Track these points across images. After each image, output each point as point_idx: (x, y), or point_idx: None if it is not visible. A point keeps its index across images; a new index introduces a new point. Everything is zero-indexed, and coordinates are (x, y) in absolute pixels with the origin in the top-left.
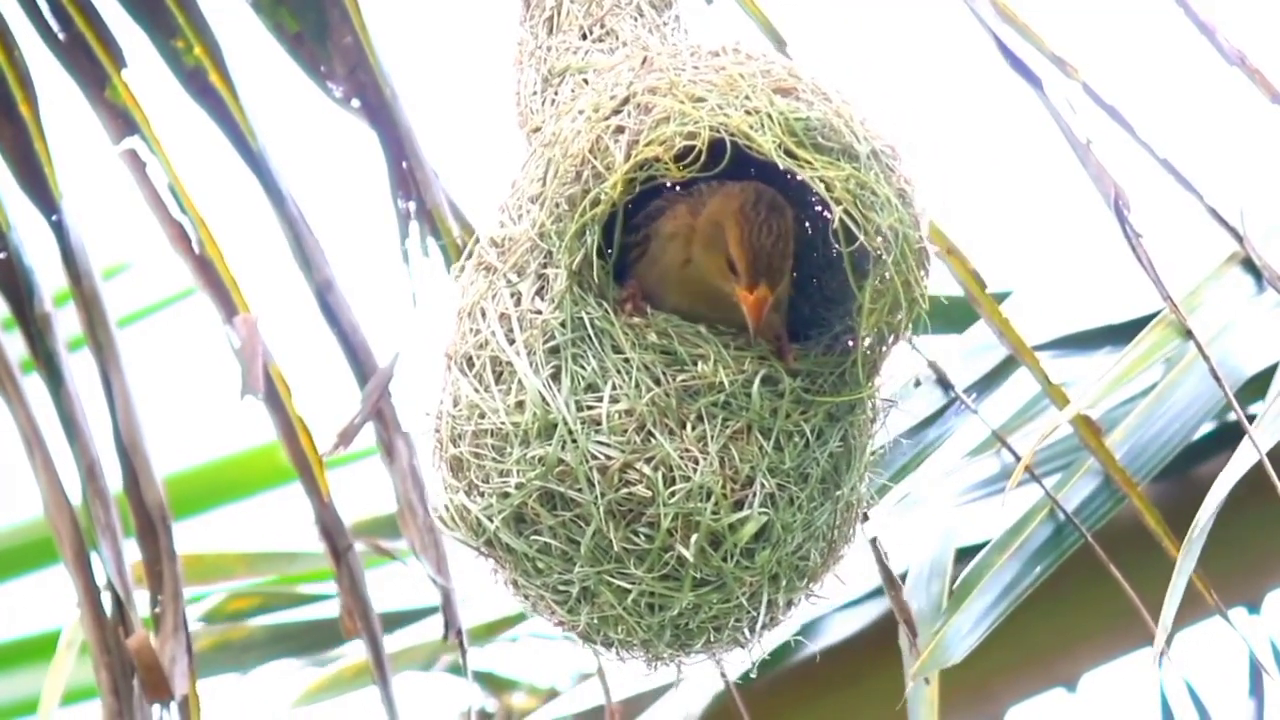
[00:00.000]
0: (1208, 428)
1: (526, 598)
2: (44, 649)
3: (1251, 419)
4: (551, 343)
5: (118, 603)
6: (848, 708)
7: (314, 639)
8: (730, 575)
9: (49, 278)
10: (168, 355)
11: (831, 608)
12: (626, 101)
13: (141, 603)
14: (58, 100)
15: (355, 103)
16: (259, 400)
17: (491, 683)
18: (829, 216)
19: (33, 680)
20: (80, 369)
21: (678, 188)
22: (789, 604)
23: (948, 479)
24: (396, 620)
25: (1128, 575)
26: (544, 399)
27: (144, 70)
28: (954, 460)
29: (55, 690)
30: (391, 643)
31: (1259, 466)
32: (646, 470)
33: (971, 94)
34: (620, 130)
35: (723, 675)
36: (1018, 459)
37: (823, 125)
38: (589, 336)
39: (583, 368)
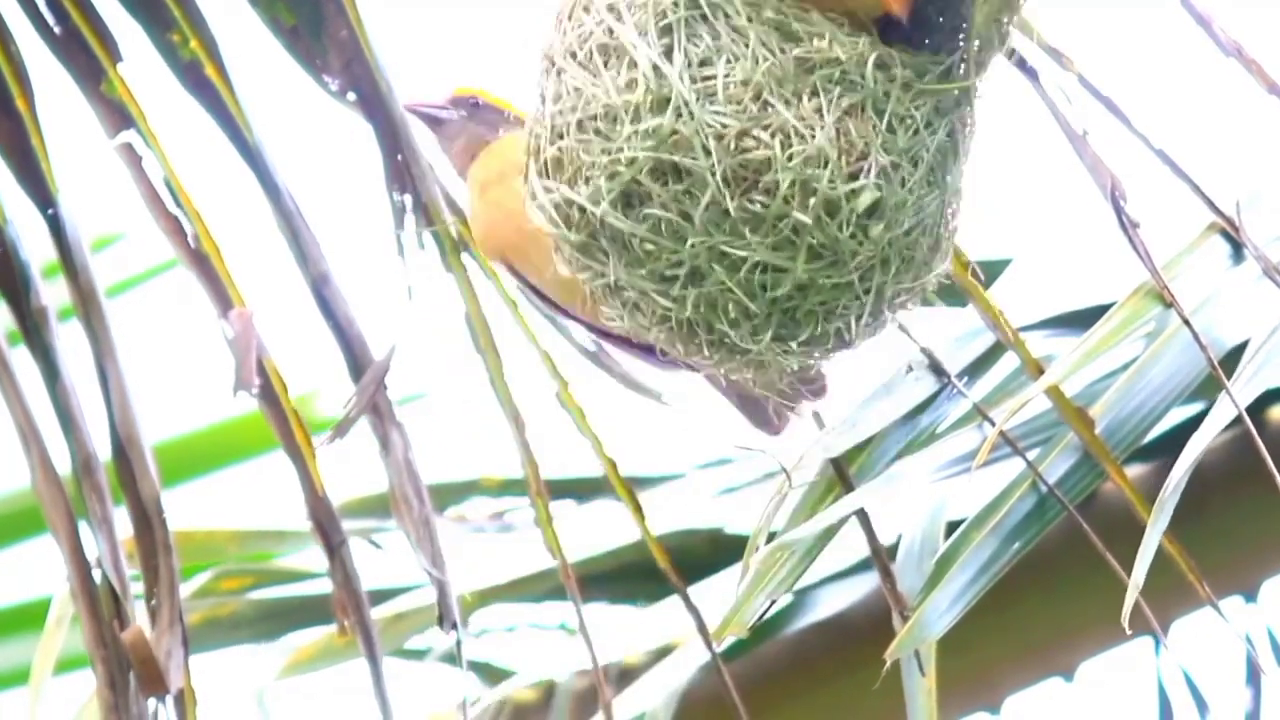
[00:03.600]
0: (1197, 408)
1: (624, 303)
2: (36, 618)
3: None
4: (664, 21)
5: (114, 597)
6: (843, 692)
7: (305, 616)
8: (845, 247)
9: (38, 254)
10: (161, 321)
11: (820, 577)
12: None
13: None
14: (54, 95)
15: (351, 96)
16: (253, 395)
17: (488, 673)
18: None
19: (25, 649)
20: (73, 347)
21: None
22: (895, 298)
23: (929, 453)
24: (382, 595)
25: (1124, 564)
26: (658, 71)
27: (140, 64)
28: (939, 437)
29: (45, 665)
30: (377, 613)
31: (1253, 455)
32: (764, 136)
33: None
34: None
35: (710, 649)
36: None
37: None
38: (703, 14)
39: (696, 45)
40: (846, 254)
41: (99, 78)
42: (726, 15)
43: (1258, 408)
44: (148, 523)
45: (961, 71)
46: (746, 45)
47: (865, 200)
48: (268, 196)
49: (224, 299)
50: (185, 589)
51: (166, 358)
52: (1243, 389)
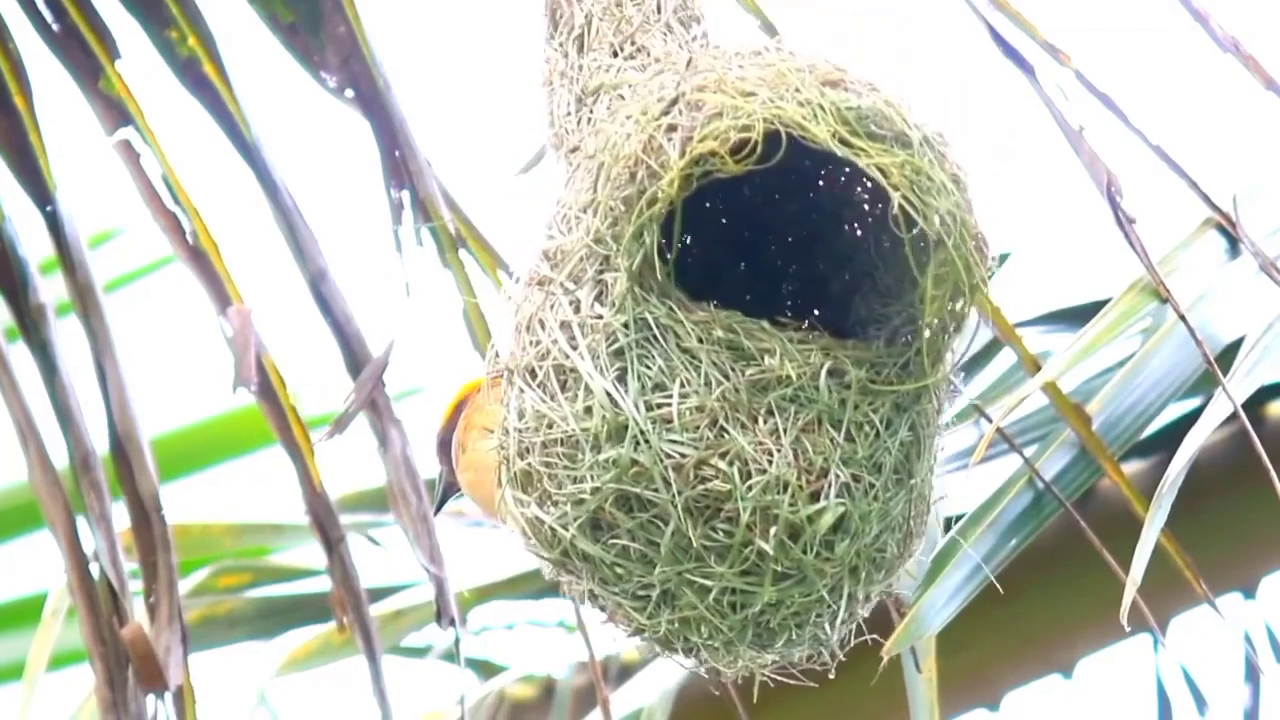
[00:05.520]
0: (1194, 404)
1: (603, 608)
2: (34, 613)
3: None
4: (615, 345)
5: (112, 593)
6: (840, 687)
7: (303, 614)
8: (811, 568)
9: (37, 250)
10: (159, 315)
11: None
12: (675, 102)
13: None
14: (52, 92)
15: (349, 93)
16: (252, 391)
17: (487, 670)
18: (881, 211)
19: (22, 644)
20: (71, 343)
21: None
22: (867, 598)
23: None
24: (381, 592)
25: (1121, 561)
26: (612, 400)
27: (138, 62)
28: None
29: (41, 659)
30: (376, 610)
31: (1251, 451)
32: (722, 465)
33: (965, 82)
34: (673, 129)
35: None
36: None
37: (875, 113)
38: (654, 337)
39: (649, 367)
40: (813, 574)
41: (97, 75)
42: (677, 337)
43: (1254, 403)
44: (146, 519)
45: (917, 365)
46: (699, 369)
47: (828, 520)
48: (266, 193)
49: (222, 295)
50: (182, 586)
51: (164, 352)
52: (1239, 384)
